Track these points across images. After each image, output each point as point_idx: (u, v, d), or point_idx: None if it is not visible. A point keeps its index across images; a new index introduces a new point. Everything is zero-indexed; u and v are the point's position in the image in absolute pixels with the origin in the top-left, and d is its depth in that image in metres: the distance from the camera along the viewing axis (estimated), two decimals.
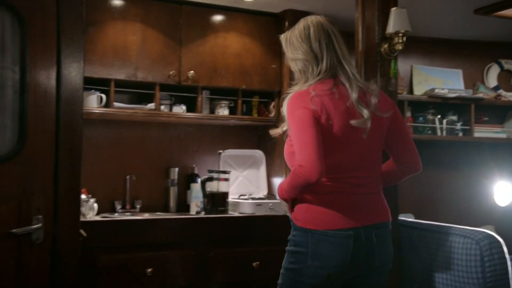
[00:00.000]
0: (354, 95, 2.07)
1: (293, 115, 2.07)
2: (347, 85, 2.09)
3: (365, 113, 2.06)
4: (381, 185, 2.21)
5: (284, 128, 2.18)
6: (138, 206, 3.40)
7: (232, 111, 3.60)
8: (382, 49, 2.60)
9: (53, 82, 2.31)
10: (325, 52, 2.11)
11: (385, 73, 2.61)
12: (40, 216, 2.24)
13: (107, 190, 3.32)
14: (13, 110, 2.27)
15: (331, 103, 2.05)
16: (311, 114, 2.02)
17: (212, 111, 3.56)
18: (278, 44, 3.62)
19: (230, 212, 3.24)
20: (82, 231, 2.37)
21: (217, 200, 3.12)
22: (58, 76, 2.32)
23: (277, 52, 3.59)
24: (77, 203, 2.37)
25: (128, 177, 3.42)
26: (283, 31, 3.55)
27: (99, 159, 3.36)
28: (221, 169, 3.51)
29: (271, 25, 3.67)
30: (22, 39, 2.25)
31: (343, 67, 2.12)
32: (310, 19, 2.18)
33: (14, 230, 2.17)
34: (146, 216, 3.16)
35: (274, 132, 2.28)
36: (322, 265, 2.05)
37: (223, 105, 3.55)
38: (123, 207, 3.36)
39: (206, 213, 3.07)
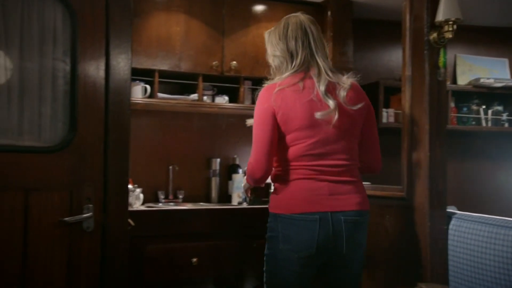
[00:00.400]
0: (321, 88, 2.19)
1: (256, 110, 2.26)
2: (315, 79, 2.21)
3: (331, 104, 2.17)
4: (358, 174, 2.30)
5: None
6: (180, 196, 3.43)
7: None
8: (431, 38, 2.55)
9: (102, 73, 2.34)
10: (300, 49, 2.26)
11: (433, 63, 2.55)
12: (90, 205, 2.28)
13: (151, 180, 3.35)
14: (64, 100, 2.31)
15: (294, 95, 2.19)
16: (269, 112, 2.20)
17: (253, 101, 3.55)
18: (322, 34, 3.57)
19: None
20: (130, 221, 2.40)
21: (260, 191, 3.11)
22: (107, 67, 2.34)
23: None
24: (126, 192, 2.40)
25: (171, 167, 3.45)
26: (325, 21, 3.57)
27: (143, 149, 3.39)
28: None
29: (313, 14, 3.59)
30: (73, 31, 2.28)
31: (316, 62, 2.25)
32: (290, 18, 2.35)
33: (66, 219, 2.22)
34: (190, 206, 3.18)
35: (249, 122, 2.40)
36: (292, 248, 2.16)
37: None
38: (166, 197, 3.39)
39: (249, 204, 3.07)
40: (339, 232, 2.16)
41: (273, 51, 2.32)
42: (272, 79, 2.31)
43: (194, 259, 2.71)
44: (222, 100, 3.42)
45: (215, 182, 3.55)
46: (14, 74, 2.23)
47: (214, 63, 3.30)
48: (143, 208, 2.99)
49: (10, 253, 2.13)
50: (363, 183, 3.17)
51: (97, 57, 2.32)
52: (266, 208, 3.04)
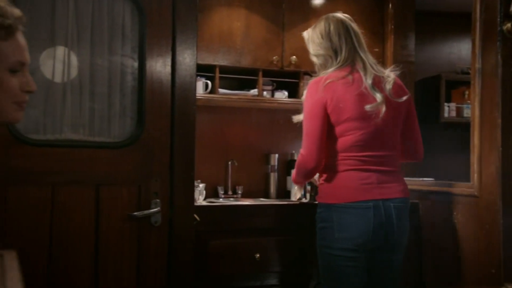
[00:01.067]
0: (368, 81, 2.29)
1: (306, 103, 2.36)
2: (362, 72, 2.31)
3: (378, 97, 2.27)
4: (399, 164, 2.41)
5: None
6: (239, 192, 3.43)
7: None
8: (504, 28, 2.45)
9: (168, 68, 2.36)
10: (344, 45, 2.36)
11: (506, 55, 2.46)
12: (158, 200, 2.30)
13: (210, 176, 3.37)
14: (132, 96, 2.34)
15: (344, 88, 2.28)
16: (320, 104, 2.29)
17: None
18: (381, 27, 3.52)
19: None
20: (195, 216, 2.41)
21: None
22: (173, 63, 2.36)
23: (380, 35, 3.50)
24: (192, 187, 2.41)
25: (229, 162, 3.45)
26: (386, 14, 3.49)
27: (202, 145, 3.41)
28: None
29: (373, 7, 3.56)
30: (141, 28, 2.31)
31: (359, 57, 2.35)
32: (331, 17, 2.45)
33: (135, 213, 2.25)
34: (251, 202, 3.18)
35: (296, 118, 2.55)
36: (347, 236, 2.25)
37: None
38: (225, 193, 3.40)
39: (310, 200, 3.04)
40: (389, 218, 2.27)
41: (317, 50, 2.41)
42: (317, 76, 2.40)
43: (257, 255, 2.70)
44: (282, 95, 3.40)
45: (273, 177, 3.53)
46: (85, 71, 2.27)
47: (274, 58, 3.28)
48: (205, 203, 3.00)
49: (83, 246, 2.18)
50: (426, 179, 3.12)
51: (164, 53, 2.35)
52: None
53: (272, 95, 3.41)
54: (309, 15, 3.39)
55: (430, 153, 4.00)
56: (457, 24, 4.15)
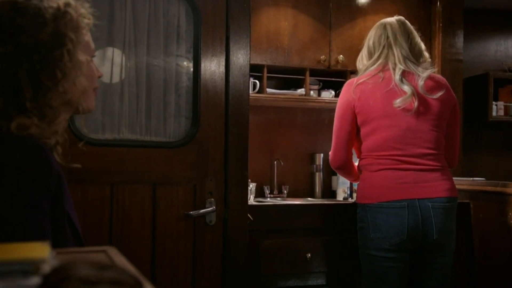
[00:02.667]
0: (396, 77, 2.28)
1: (338, 103, 2.42)
2: (391, 69, 2.31)
3: (407, 89, 2.25)
4: (445, 163, 2.33)
5: None
6: (285, 191, 3.43)
7: None
8: None
9: (222, 69, 2.37)
10: (377, 44, 2.39)
11: None
12: (212, 199, 2.32)
13: (256, 175, 3.38)
14: (187, 96, 2.36)
15: (373, 87, 2.29)
16: (347, 105, 2.34)
17: None
18: (429, 25, 3.48)
19: None
20: (249, 215, 2.42)
21: None
22: (227, 63, 2.37)
23: (427, 34, 3.46)
24: (245, 187, 2.42)
25: (275, 162, 3.46)
26: (434, 12, 3.45)
27: (249, 144, 3.42)
28: None
29: (420, 6, 3.53)
30: (196, 28, 2.33)
31: (393, 54, 2.35)
32: (378, 23, 2.49)
33: (191, 212, 2.27)
34: (299, 201, 3.18)
35: None
36: (382, 236, 2.23)
37: None
38: (271, 192, 3.40)
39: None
40: (428, 218, 2.21)
41: (360, 57, 2.48)
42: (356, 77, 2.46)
43: (308, 254, 2.70)
44: (329, 94, 3.39)
45: (318, 177, 3.52)
46: (142, 72, 2.30)
47: (321, 57, 3.28)
48: (255, 202, 3.01)
49: (141, 243, 2.21)
50: (477, 179, 3.06)
51: (218, 54, 2.36)
52: None
53: (319, 95, 3.40)
54: (355, 14, 3.37)
55: (477, 152, 3.95)
56: (504, 21, 4.09)
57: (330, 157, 2.47)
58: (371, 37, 2.45)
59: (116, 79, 2.27)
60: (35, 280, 0.69)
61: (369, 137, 2.33)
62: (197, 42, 2.33)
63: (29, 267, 0.72)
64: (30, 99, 1.09)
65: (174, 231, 2.26)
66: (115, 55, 2.27)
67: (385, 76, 2.31)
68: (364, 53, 2.45)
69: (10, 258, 0.75)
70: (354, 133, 2.38)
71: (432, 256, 2.28)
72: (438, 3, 3.41)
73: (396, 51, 2.35)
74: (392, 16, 3.43)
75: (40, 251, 0.78)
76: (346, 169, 2.47)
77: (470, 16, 3.70)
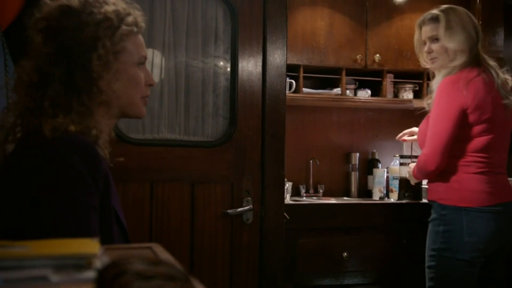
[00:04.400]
0: (498, 81, 2.27)
1: (440, 101, 2.26)
2: (492, 72, 2.28)
3: (503, 94, 2.27)
4: None
5: (428, 103, 2.42)
6: (321, 191, 3.44)
7: (417, 94, 3.48)
8: None
9: (259, 69, 2.40)
10: (475, 43, 2.31)
11: None
12: (249, 198, 2.35)
13: (292, 174, 3.39)
14: (225, 96, 2.40)
15: (484, 87, 2.23)
16: (458, 106, 2.21)
17: (395, 94, 3.49)
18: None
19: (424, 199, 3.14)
20: (285, 214, 2.44)
21: (409, 186, 3.05)
22: (264, 63, 2.40)
23: None
24: (282, 186, 2.45)
25: (311, 161, 3.47)
26: (474, 9, 3.39)
27: (285, 143, 3.44)
28: (405, 153, 3.42)
29: (459, 3, 3.46)
30: (234, 29, 2.37)
31: (483, 56, 2.34)
32: (463, 10, 2.41)
33: (229, 211, 2.31)
34: (335, 200, 3.19)
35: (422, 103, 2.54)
36: (478, 240, 2.19)
37: (407, 88, 3.45)
38: (307, 191, 3.42)
39: (398, 199, 3.01)
40: (510, 220, 2.26)
41: (451, 41, 2.31)
42: (441, 66, 2.35)
43: (345, 253, 2.71)
44: (365, 94, 3.38)
45: (354, 176, 3.52)
46: (181, 73, 2.35)
47: (358, 56, 3.27)
48: (291, 201, 3.04)
49: (180, 240, 2.26)
50: None
51: (255, 54, 2.39)
52: (414, 203, 2.97)
53: (355, 94, 3.40)
54: (392, 13, 3.35)
55: None
56: None
57: (426, 159, 2.30)
58: (469, 28, 2.32)
59: (156, 80, 2.33)
60: (90, 274, 0.73)
61: (476, 137, 2.25)
62: (235, 42, 2.36)
63: (81, 262, 0.77)
64: (62, 98, 1.15)
65: (212, 229, 2.30)
66: (155, 56, 2.33)
67: (489, 78, 2.26)
68: (461, 37, 2.30)
69: (64, 252, 0.80)
70: (455, 136, 2.25)
71: (500, 257, 2.31)
72: (478, 1, 3.36)
73: (481, 53, 2.35)
74: None
75: (92, 247, 0.83)
76: (437, 173, 2.32)
77: (510, 12, 3.63)
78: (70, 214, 1.05)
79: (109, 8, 1.19)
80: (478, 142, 2.25)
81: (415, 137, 2.64)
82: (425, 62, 2.46)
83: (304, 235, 2.70)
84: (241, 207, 2.33)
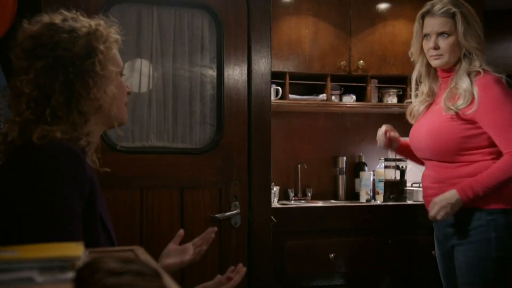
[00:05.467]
0: None
1: (505, 100, 2.02)
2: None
3: None
4: None
5: (466, 107, 2.05)
6: (309, 194, 3.51)
7: (400, 99, 3.56)
8: None
9: (244, 77, 2.48)
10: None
11: None
12: (237, 203, 2.43)
13: (280, 178, 3.47)
14: (211, 104, 2.47)
15: None
16: None
17: (379, 99, 3.56)
18: None
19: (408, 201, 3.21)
20: (272, 217, 2.52)
21: (394, 188, 3.13)
22: (249, 71, 2.48)
23: None
24: (268, 190, 2.52)
25: (299, 166, 3.54)
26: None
27: (272, 148, 3.51)
28: (390, 157, 3.50)
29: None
30: (219, 39, 2.44)
31: None
32: (468, 6, 2.17)
33: (217, 215, 2.38)
34: (321, 203, 3.26)
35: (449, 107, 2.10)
36: None
37: (391, 93, 3.53)
38: (296, 195, 3.49)
39: (383, 201, 3.09)
40: None
41: (469, 39, 2.10)
42: (460, 64, 2.12)
43: (332, 255, 2.78)
44: (350, 99, 3.46)
45: (342, 180, 3.59)
46: (168, 82, 2.43)
47: (342, 63, 3.35)
48: (278, 205, 3.11)
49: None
50: None
51: (241, 63, 2.47)
52: (399, 205, 3.05)
53: (340, 100, 3.48)
54: (375, 20, 3.43)
55: None
56: None
57: None
58: (480, 26, 2.16)
59: (144, 89, 2.40)
60: (71, 274, 0.80)
61: None
62: (220, 52, 2.44)
63: (66, 264, 0.84)
64: (62, 107, 1.22)
65: (201, 233, 2.35)
66: (143, 66, 2.40)
67: None
68: (478, 36, 2.12)
69: (50, 256, 0.87)
70: None
71: None
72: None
73: None
74: (413, 22, 3.49)
75: (75, 250, 0.90)
76: None
77: (490, 17, 3.72)
78: (54, 219, 1.12)
79: (92, 22, 1.28)
80: None
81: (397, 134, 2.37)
82: (417, 57, 2.24)
83: (292, 237, 2.77)
84: (229, 211, 2.40)
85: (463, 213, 2.05)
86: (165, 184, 2.34)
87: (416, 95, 2.29)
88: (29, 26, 1.27)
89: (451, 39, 2.12)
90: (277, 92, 3.28)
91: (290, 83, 3.33)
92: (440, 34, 2.13)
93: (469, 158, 2.07)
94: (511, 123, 2.01)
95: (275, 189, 3.16)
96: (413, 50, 2.26)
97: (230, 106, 2.45)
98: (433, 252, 2.63)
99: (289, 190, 3.48)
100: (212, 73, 2.47)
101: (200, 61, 2.47)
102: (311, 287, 2.83)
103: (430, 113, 2.21)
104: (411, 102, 2.33)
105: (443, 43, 2.12)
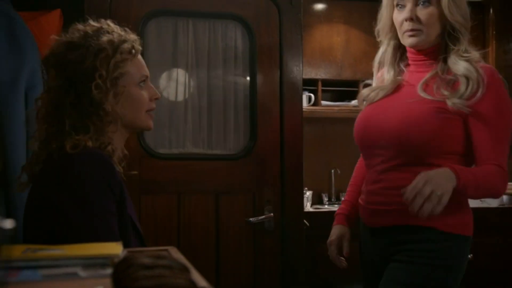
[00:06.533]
0: None
1: (502, 94, 1.58)
2: None
3: None
4: None
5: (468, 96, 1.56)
6: (342, 199, 3.55)
7: None
8: None
9: (276, 85, 2.55)
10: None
11: None
12: (270, 207, 2.50)
13: (314, 183, 3.52)
14: (245, 112, 2.56)
15: None
16: None
17: None
18: (482, 32, 3.47)
19: None
20: (305, 221, 2.58)
21: None
22: (281, 79, 2.55)
23: (480, 41, 3.49)
24: (301, 195, 2.59)
25: (332, 171, 3.59)
26: (487, 19, 3.47)
27: (307, 154, 3.57)
28: None
29: (472, 13, 3.55)
30: (251, 49, 2.53)
31: None
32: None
33: (251, 219, 2.46)
34: None
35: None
36: None
37: None
38: (329, 199, 3.54)
39: None
40: None
41: (456, 14, 1.62)
42: (461, 45, 1.61)
43: None
44: None
45: None
46: (203, 91, 2.53)
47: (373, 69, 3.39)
48: (312, 209, 3.17)
49: (206, 248, 2.42)
50: None
51: (273, 71, 2.55)
52: None
53: None
54: None
55: None
56: None
57: (505, 179, 1.55)
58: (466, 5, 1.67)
59: (180, 97, 2.51)
60: (111, 270, 0.89)
61: None
62: (253, 61, 2.52)
63: (106, 261, 0.93)
64: (77, 122, 1.32)
65: (235, 237, 2.45)
66: (180, 75, 2.51)
67: None
68: (466, 22, 1.65)
69: (92, 254, 0.97)
70: None
71: None
72: (491, 10, 3.44)
73: None
74: None
75: (115, 249, 0.99)
76: None
77: None
78: (94, 219, 1.23)
79: (105, 38, 1.36)
80: None
81: None
82: (385, 37, 1.81)
83: (325, 241, 2.81)
84: (263, 215, 2.48)
85: (410, 231, 1.60)
86: (201, 189, 2.43)
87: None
88: (56, 41, 1.38)
89: (433, 9, 1.61)
90: (309, 98, 3.35)
91: (322, 90, 3.39)
92: (418, 1, 1.62)
93: (439, 162, 1.55)
94: (507, 134, 1.58)
95: (308, 194, 3.22)
96: (380, 26, 1.81)
97: (263, 113, 2.52)
98: None
99: (323, 195, 3.54)
100: (245, 81, 2.56)
101: (234, 70, 2.56)
102: None
103: (399, 97, 1.69)
104: (369, 84, 1.91)
105: (422, 13, 1.61)
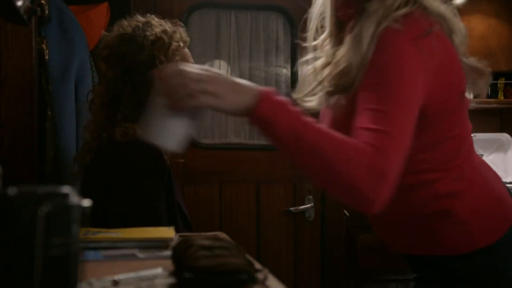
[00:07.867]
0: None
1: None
2: None
3: None
4: None
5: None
6: None
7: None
8: None
9: None
10: None
11: None
12: (311, 197, 2.52)
13: None
14: None
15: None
16: None
17: None
18: None
19: None
20: (345, 211, 2.59)
21: None
22: None
23: None
24: None
25: None
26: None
27: None
28: None
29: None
30: (293, 40, 2.54)
31: None
32: None
33: (291, 209, 2.48)
34: None
35: None
36: None
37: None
38: None
39: None
40: None
41: None
42: None
43: None
44: None
45: None
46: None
47: None
48: None
49: (247, 237, 2.45)
50: None
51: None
52: None
53: None
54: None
55: None
56: None
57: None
58: None
59: None
60: (167, 252, 0.94)
61: None
62: (294, 52, 2.53)
63: (161, 244, 0.98)
64: (130, 111, 1.36)
65: (276, 226, 2.48)
66: (222, 66, 2.54)
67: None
68: None
69: (148, 237, 1.01)
70: None
71: None
72: None
73: None
74: (489, 16, 3.44)
75: (168, 233, 1.04)
76: None
77: None
78: (145, 206, 1.28)
79: (158, 29, 1.41)
80: None
81: None
82: None
83: (365, 231, 2.82)
84: (303, 205, 2.50)
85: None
86: (242, 179, 2.46)
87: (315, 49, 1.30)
88: (108, 35, 1.43)
89: None
90: None
91: None
92: None
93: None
94: None
95: None
96: None
97: None
98: None
99: None
100: (286, 72, 2.58)
101: (275, 61, 2.58)
102: (383, 281, 2.87)
103: None
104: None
105: None
